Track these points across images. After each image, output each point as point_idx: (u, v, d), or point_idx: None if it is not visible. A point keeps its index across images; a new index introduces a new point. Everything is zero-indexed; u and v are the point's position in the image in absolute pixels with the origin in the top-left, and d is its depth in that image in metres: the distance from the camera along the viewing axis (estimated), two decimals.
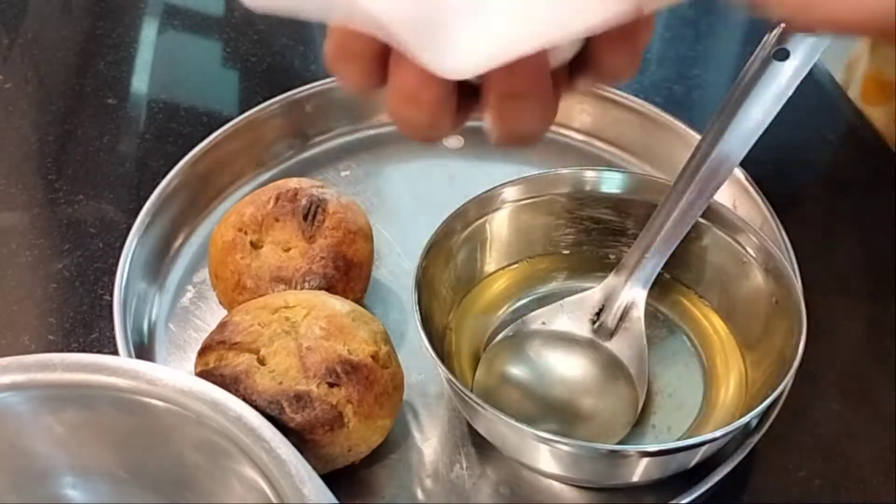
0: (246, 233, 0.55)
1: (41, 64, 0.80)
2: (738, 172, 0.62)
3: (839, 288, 0.61)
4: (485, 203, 0.56)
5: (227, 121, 0.66)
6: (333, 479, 0.43)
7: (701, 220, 0.54)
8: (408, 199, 0.66)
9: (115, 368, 0.42)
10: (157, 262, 0.60)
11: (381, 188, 0.67)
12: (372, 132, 0.71)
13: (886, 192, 0.67)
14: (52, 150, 0.71)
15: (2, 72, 0.78)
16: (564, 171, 0.57)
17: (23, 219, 0.66)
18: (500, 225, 0.57)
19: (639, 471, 0.48)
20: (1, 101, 0.75)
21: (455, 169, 0.68)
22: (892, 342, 0.57)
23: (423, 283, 0.51)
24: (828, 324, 0.54)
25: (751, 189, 0.61)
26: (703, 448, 0.47)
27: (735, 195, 0.62)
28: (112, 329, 0.54)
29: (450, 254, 0.54)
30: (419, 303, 0.50)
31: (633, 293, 0.53)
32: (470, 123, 0.76)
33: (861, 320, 0.60)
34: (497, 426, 0.48)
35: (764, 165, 0.67)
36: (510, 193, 0.56)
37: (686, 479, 0.49)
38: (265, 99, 0.68)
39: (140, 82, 0.77)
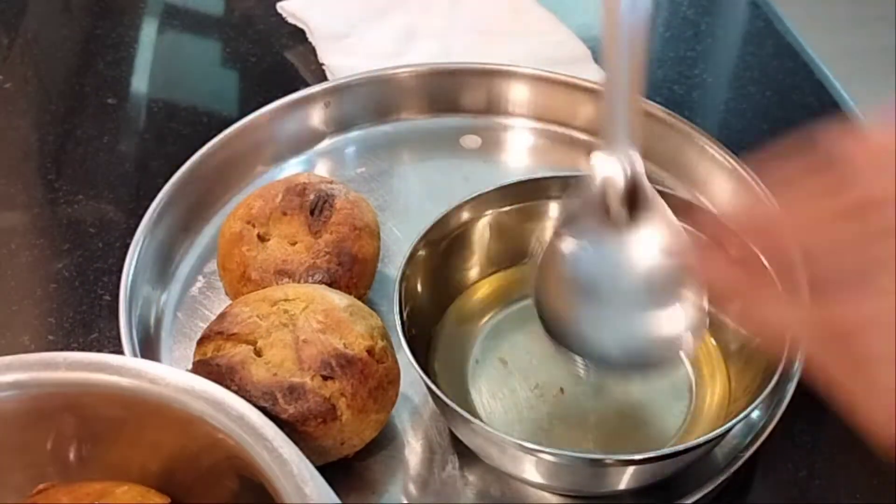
0: (254, 225, 0.56)
1: (41, 64, 0.80)
2: (738, 166, 0.62)
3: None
4: (467, 210, 0.55)
5: (227, 120, 0.66)
6: (327, 471, 0.43)
7: (692, 228, 0.53)
8: (422, 198, 0.66)
9: (118, 367, 0.42)
10: (169, 252, 0.60)
11: (395, 186, 0.67)
12: (389, 130, 0.71)
13: None
14: (52, 150, 0.71)
15: (2, 72, 0.77)
16: (548, 176, 0.57)
17: (23, 219, 0.66)
18: (483, 231, 0.57)
19: (623, 479, 0.47)
20: (1, 101, 0.75)
21: (470, 169, 0.68)
22: None
23: (406, 290, 0.51)
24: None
25: (752, 183, 0.61)
26: (686, 456, 0.46)
27: (737, 190, 0.62)
28: (112, 329, 0.54)
29: (432, 261, 0.54)
30: (401, 311, 0.50)
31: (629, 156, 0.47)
32: (487, 124, 0.76)
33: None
34: (477, 436, 0.48)
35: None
36: (493, 200, 0.56)
37: (686, 482, 0.49)
38: (265, 99, 0.68)
39: (140, 82, 0.77)
